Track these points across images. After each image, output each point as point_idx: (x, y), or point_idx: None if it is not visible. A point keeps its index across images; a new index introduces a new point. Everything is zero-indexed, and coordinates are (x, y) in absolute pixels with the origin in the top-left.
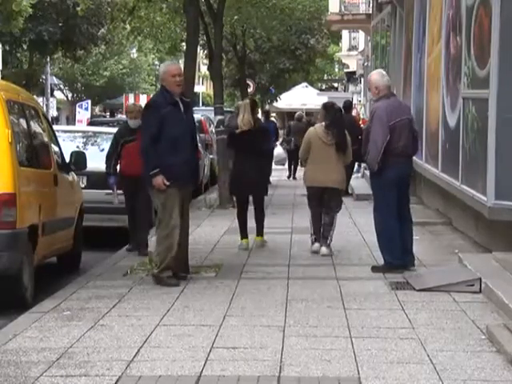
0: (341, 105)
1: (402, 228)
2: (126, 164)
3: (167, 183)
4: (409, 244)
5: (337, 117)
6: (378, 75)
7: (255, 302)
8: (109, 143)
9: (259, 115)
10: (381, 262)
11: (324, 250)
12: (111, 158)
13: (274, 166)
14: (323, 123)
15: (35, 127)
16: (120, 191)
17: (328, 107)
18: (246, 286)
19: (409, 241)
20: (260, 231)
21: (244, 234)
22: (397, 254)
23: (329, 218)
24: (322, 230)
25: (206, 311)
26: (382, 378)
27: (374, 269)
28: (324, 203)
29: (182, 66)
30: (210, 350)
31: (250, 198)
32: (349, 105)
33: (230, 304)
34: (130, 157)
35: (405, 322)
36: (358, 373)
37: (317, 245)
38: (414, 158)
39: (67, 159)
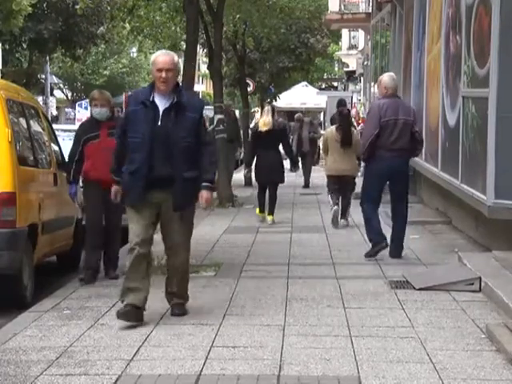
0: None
1: (393, 223)
2: (91, 166)
3: (117, 200)
4: (398, 238)
5: (343, 120)
6: (388, 78)
7: (255, 300)
8: None
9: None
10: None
11: (343, 221)
12: (71, 161)
13: None
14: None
15: (35, 126)
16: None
17: (339, 112)
18: (245, 285)
19: (398, 236)
20: (271, 210)
21: (262, 209)
22: (373, 234)
23: (346, 198)
24: (341, 207)
25: (206, 310)
26: (382, 377)
27: (366, 254)
28: (341, 187)
29: (173, 59)
30: (210, 349)
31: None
32: (343, 104)
33: (229, 303)
34: (94, 157)
35: (404, 321)
36: (358, 372)
37: (336, 207)
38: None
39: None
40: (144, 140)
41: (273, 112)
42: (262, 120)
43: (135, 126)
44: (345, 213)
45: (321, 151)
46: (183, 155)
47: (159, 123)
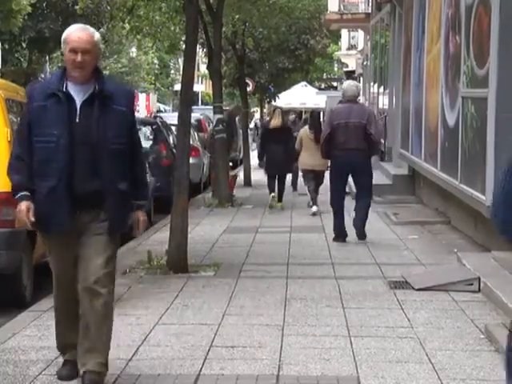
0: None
1: (356, 212)
2: None
3: (32, 219)
4: (358, 222)
5: (315, 120)
6: (346, 85)
7: (254, 300)
8: None
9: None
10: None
11: (314, 207)
12: None
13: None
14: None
15: None
16: None
17: (312, 115)
18: (244, 285)
19: (359, 223)
20: (280, 198)
21: (272, 192)
22: (336, 227)
23: (316, 188)
24: (315, 196)
25: (205, 310)
26: (381, 377)
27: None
28: (314, 179)
29: (91, 37)
30: (209, 349)
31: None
32: None
33: (228, 303)
34: None
35: (404, 321)
36: (357, 372)
37: (314, 208)
38: (413, 156)
39: None
40: (59, 144)
41: (282, 114)
42: (274, 122)
43: (45, 126)
44: (315, 199)
45: (296, 148)
46: (114, 161)
47: (77, 120)
